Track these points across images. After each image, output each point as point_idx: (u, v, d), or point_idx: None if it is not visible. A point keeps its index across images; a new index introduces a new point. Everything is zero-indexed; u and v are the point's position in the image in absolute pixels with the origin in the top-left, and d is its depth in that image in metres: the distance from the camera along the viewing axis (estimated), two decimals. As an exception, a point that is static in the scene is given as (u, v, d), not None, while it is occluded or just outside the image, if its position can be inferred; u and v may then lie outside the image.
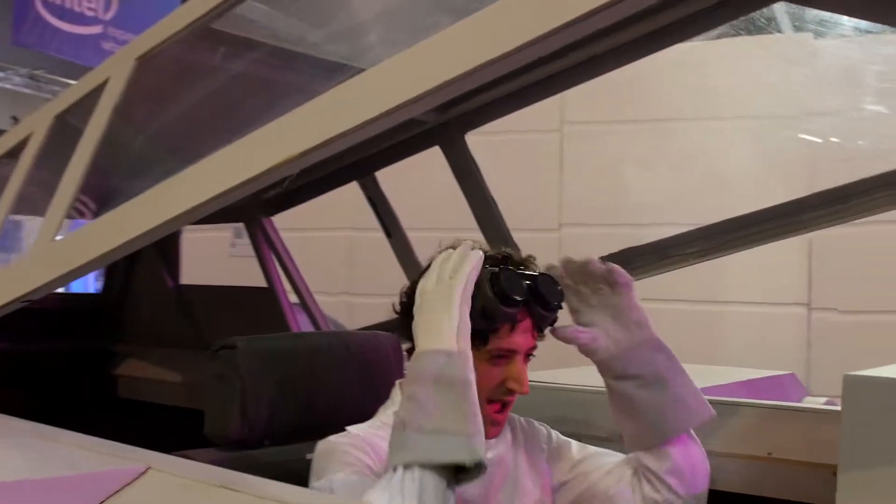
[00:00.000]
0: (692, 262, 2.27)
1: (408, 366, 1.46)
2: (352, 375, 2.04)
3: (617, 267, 1.68)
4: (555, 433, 1.86)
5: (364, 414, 2.05)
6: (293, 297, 3.25)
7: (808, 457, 1.90)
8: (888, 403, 1.03)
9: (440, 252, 1.67)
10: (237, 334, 1.94)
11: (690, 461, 1.72)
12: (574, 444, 1.85)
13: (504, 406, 1.64)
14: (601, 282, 1.68)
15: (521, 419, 1.84)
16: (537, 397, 2.00)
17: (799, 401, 2.84)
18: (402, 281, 1.76)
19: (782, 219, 2.12)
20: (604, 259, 2.37)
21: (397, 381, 1.80)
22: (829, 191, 2.03)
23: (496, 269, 1.56)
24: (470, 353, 1.44)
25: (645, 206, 5.26)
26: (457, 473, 1.39)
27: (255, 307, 3.21)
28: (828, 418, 1.99)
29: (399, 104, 1.00)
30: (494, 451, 1.70)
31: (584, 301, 1.71)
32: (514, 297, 1.56)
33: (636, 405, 1.69)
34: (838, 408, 2.22)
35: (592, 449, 1.84)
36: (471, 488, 1.59)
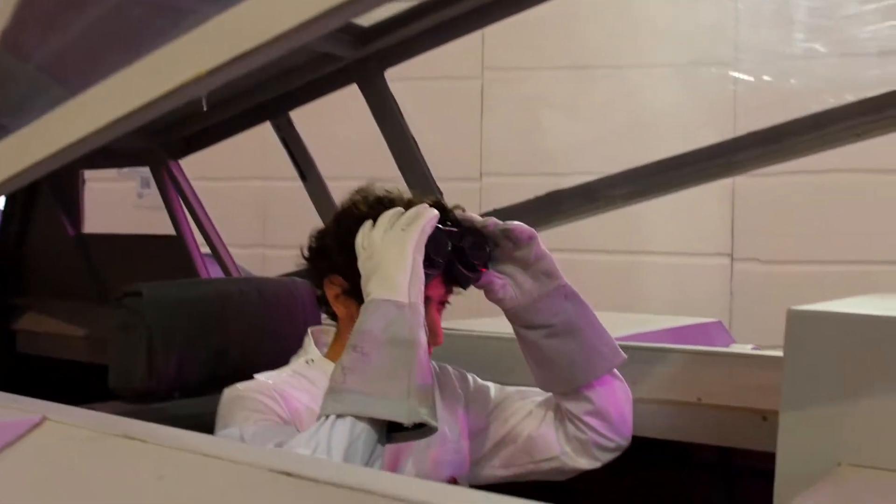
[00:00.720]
0: (620, 205, 2.26)
1: (363, 310, 1.42)
2: (266, 323, 1.98)
3: (515, 225, 1.62)
4: (472, 377, 1.84)
5: (280, 363, 1.99)
6: (204, 248, 3.16)
7: (737, 402, 1.91)
8: (831, 337, 1.01)
9: (356, 193, 1.62)
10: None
11: (615, 403, 1.71)
12: (493, 387, 1.83)
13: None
14: (503, 240, 1.63)
15: (435, 364, 1.80)
16: (459, 345, 1.96)
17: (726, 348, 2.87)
18: (319, 230, 1.71)
19: (712, 160, 2.11)
20: (529, 203, 2.36)
21: (309, 329, 1.76)
22: (758, 132, 2.03)
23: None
24: (422, 307, 1.43)
25: (569, 154, 5.25)
26: (391, 431, 1.36)
27: (163, 257, 3.11)
28: (757, 363, 2.00)
29: (311, 17, 0.93)
30: None
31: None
32: (437, 260, 1.52)
33: (546, 354, 1.67)
34: (767, 352, 2.24)
35: (511, 390, 1.82)
36: None
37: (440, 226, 1.52)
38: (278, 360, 1.99)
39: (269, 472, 0.91)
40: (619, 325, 2.93)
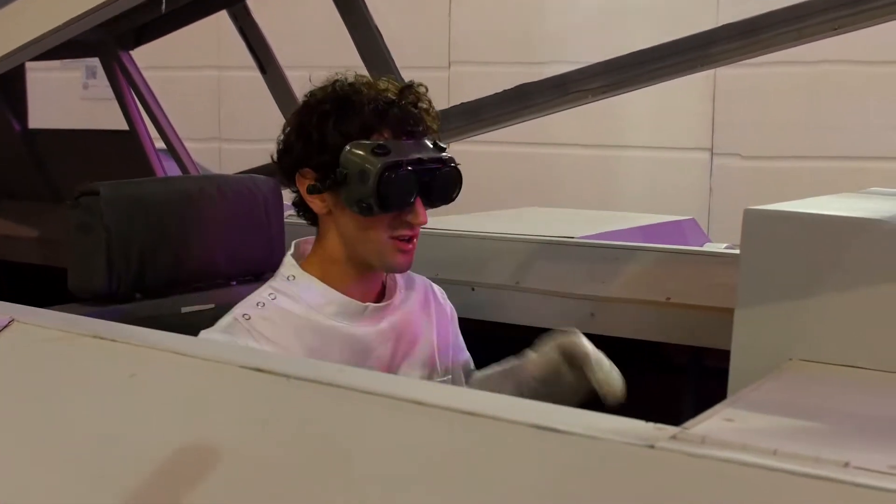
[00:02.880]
0: (593, 99, 2.32)
1: None
2: (227, 222, 2.04)
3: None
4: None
5: (242, 262, 2.07)
6: (158, 144, 3.19)
7: (707, 301, 2.01)
8: (785, 237, 1.09)
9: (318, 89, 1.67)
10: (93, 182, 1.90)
11: None
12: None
13: (409, 239, 1.66)
14: None
15: (422, 277, 1.87)
16: (432, 244, 2.02)
17: (700, 247, 2.97)
18: (278, 123, 1.76)
19: (689, 52, 2.17)
20: (498, 96, 2.41)
21: (294, 242, 1.78)
22: (736, 24, 2.09)
23: (389, 162, 1.58)
24: None
25: (543, 42, 5.27)
26: None
27: (116, 153, 3.14)
28: (727, 261, 2.10)
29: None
30: (395, 316, 1.73)
31: None
32: (400, 203, 1.60)
33: None
34: (737, 251, 2.35)
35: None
36: (370, 354, 1.66)
37: (407, 167, 1.59)
38: (240, 258, 2.07)
39: (240, 369, 1.00)
40: (590, 222, 3.04)
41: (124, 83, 2.97)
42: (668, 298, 2.08)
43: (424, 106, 1.68)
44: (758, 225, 1.10)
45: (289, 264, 1.72)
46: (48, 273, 2.88)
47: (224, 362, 1.02)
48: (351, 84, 1.67)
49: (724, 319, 1.94)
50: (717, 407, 0.90)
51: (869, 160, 5.08)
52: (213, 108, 6.25)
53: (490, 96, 2.41)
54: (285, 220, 2.17)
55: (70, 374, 1.10)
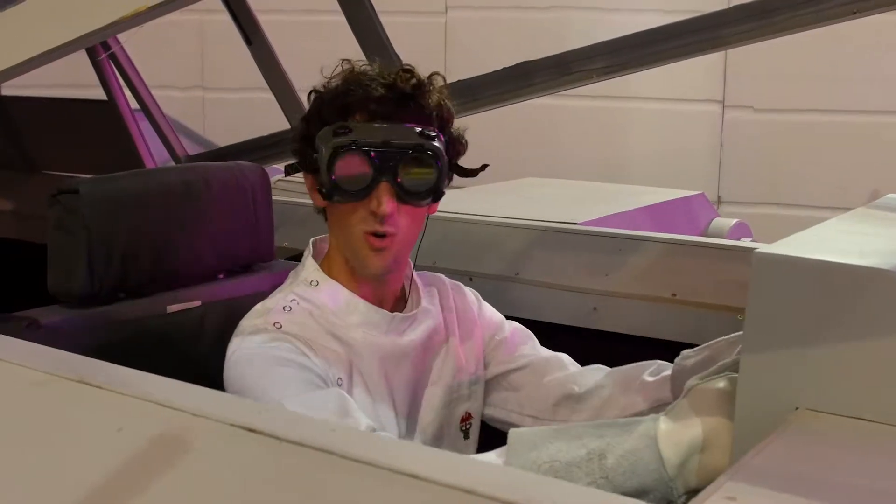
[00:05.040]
0: (597, 80, 2.32)
1: None
2: (213, 214, 2.04)
3: None
4: (485, 303, 1.90)
5: (229, 254, 2.08)
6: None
7: (715, 299, 2.04)
8: (796, 282, 1.11)
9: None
10: (71, 153, 1.89)
11: None
12: (499, 316, 1.89)
13: (382, 236, 1.61)
14: None
15: (449, 281, 1.86)
16: (429, 228, 1.98)
17: (709, 224, 2.99)
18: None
19: (697, 34, 2.17)
20: (498, 74, 2.41)
21: (311, 241, 1.78)
22: (749, 4, 2.08)
23: (341, 142, 1.56)
24: None
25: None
26: None
27: (93, 123, 3.13)
28: (736, 255, 2.12)
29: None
30: (422, 327, 1.73)
31: None
32: (353, 187, 1.59)
33: None
34: (742, 244, 2.36)
35: (518, 326, 1.89)
36: (399, 365, 1.67)
37: (358, 149, 1.57)
38: (228, 251, 2.09)
39: (231, 427, 1.02)
40: (592, 197, 3.05)
41: (101, 53, 2.96)
42: (674, 294, 2.11)
43: (420, 92, 1.63)
44: (766, 269, 1.12)
45: (311, 267, 1.71)
46: (26, 247, 2.89)
47: (214, 419, 1.04)
48: (352, 71, 1.66)
49: (732, 318, 1.99)
50: (721, 479, 0.93)
51: (885, 114, 5.09)
52: (196, 53, 6.21)
53: (489, 74, 2.41)
54: (273, 197, 2.17)
55: (51, 423, 1.12)
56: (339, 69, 1.69)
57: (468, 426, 1.79)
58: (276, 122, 2.80)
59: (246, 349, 1.58)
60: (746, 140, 5.35)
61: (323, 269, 1.70)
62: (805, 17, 2.03)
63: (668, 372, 1.64)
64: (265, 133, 2.89)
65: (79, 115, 3.21)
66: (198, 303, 2.00)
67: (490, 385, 1.83)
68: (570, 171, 4.76)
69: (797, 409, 1.10)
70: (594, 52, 2.29)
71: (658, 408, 1.53)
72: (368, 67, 1.68)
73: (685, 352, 1.58)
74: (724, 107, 5.40)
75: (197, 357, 1.92)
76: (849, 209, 1.51)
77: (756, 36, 2.11)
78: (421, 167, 1.60)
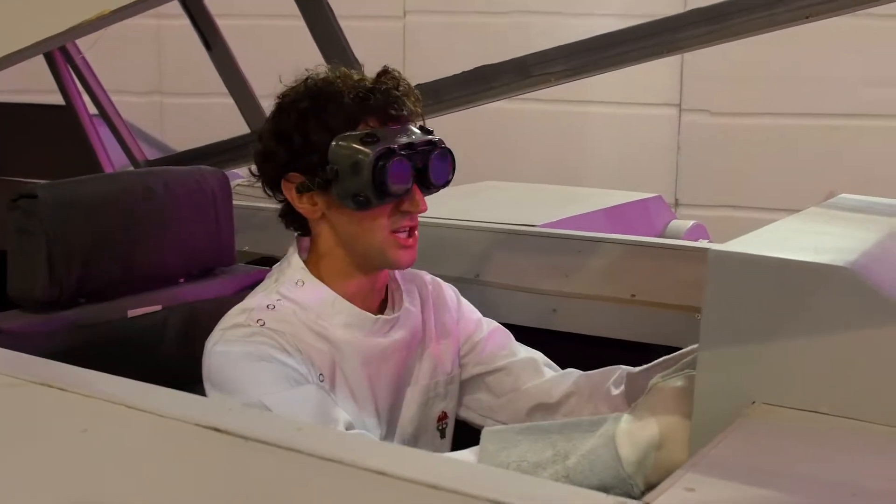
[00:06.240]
0: (556, 83, 2.35)
1: None
2: (174, 218, 2.05)
3: None
4: (464, 300, 1.93)
5: (190, 259, 2.09)
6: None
7: (674, 299, 2.07)
8: (751, 280, 1.14)
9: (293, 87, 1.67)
10: (29, 159, 1.88)
11: None
12: (478, 315, 1.92)
13: (410, 231, 1.67)
14: None
15: (428, 277, 1.90)
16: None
17: (666, 226, 3.03)
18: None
19: (653, 38, 2.20)
20: (458, 77, 2.43)
21: (296, 238, 1.78)
22: (704, 9, 2.12)
23: (381, 149, 1.58)
24: None
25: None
26: None
27: (52, 127, 3.12)
28: (693, 256, 2.16)
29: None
30: (403, 328, 1.74)
31: None
32: (396, 192, 1.61)
33: None
34: (700, 244, 2.40)
35: (496, 326, 1.91)
36: (381, 366, 1.69)
37: (401, 153, 1.60)
38: (189, 255, 2.09)
39: (196, 427, 1.03)
40: (551, 201, 3.08)
41: (59, 58, 2.95)
42: (633, 295, 2.14)
43: (404, 89, 1.67)
44: (722, 267, 1.14)
45: (296, 266, 1.71)
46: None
47: (180, 419, 1.04)
48: (324, 78, 1.67)
49: (690, 318, 2.02)
50: (679, 472, 0.95)
51: (842, 117, 5.17)
52: (154, 58, 6.18)
53: (449, 77, 2.43)
54: (233, 201, 2.17)
55: (15, 426, 1.12)
56: (319, 74, 1.69)
57: (444, 426, 1.81)
58: (235, 126, 2.80)
59: (226, 342, 1.58)
60: (703, 143, 5.42)
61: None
62: (759, 21, 2.07)
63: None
64: (224, 138, 2.90)
65: (37, 120, 3.19)
66: (158, 307, 2.00)
67: (465, 386, 1.85)
68: (529, 175, 4.79)
69: (754, 403, 1.13)
70: (553, 56, 2.32)
71: None
72: (354, 71, 1.70)
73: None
74: (680, 110, 5.47)
75: (159, 361, 1.93)
76: (804, 211, 1.55)
77: (711, 40, 2.15)
78: (444, 161, 1.69)
